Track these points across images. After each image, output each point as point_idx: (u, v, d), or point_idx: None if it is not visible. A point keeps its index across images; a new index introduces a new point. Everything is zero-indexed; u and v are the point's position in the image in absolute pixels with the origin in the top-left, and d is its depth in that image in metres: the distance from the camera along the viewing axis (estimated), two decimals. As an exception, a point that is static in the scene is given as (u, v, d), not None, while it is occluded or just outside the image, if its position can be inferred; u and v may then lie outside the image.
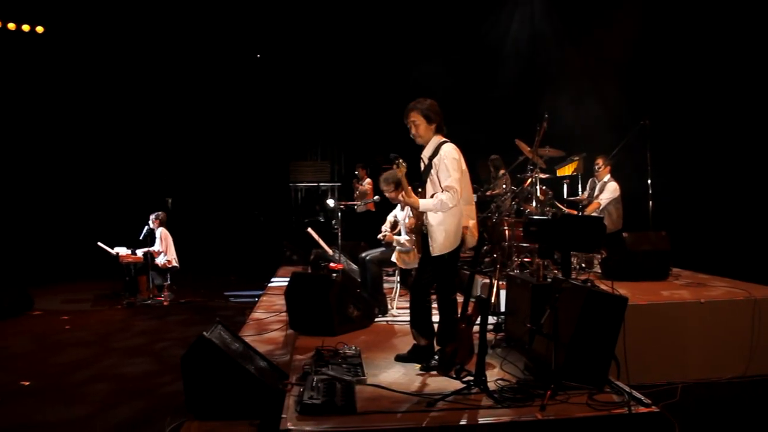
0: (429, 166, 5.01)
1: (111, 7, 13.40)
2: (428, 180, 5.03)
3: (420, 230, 5.16)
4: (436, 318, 5.23)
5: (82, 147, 14.92)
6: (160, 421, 4.94)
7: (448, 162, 4.86)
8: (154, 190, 14.87)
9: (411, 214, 6.50)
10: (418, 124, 5.03)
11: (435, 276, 5.12)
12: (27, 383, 6.17)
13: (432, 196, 4.93)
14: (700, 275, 7.45)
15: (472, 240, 5.05)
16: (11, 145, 14.03)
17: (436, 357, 4.95)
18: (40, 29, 13.43)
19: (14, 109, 13.97)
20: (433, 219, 4.96)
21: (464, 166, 5.03)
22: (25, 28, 13.27)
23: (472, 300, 4.54)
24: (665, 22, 9.28)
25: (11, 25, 13.09)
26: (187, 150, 15.83)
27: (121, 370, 6.65)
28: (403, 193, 5.00)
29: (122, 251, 10.44)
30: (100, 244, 10.44)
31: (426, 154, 5.09)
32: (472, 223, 5.05)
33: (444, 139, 5.04)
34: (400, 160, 4.87)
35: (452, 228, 4.91)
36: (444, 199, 4.79)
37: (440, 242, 4.93)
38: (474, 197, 5.65)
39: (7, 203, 13.85)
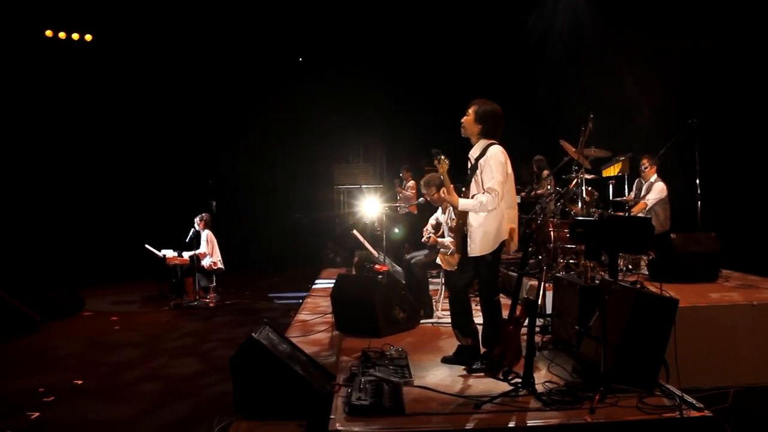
0: (475, 167, 4.98)
1: (158, 15, 13.65)
2: (473, 180, 5.01)
3: (461, 230, 5.13)
4: (478, 319, 5.21)
5: (131, 152, 15.21)
6: (208, 420, 5.03)
7: (493, 164, 4.83)
8: (200, 194, 15.10)
9: (453, 215, 6.49)
10: (468, 117, 5.02)
11: (474, 277, 5.09)
12: (80, 382, 6.32)
13: (473, 197, 4.92)
14: (752, 277, 7.29)
15: (513, 245, 5.01)
16: (63, 151, 14.37)
17: (484, 359, 4.93)
18: (88, 37, 13.75)
19: (64, 114, 14.31)
20: (473, 220, 4.94)
21: (510, 170, 4.97)
22: (75, 36, 13.60)
23: (520, 302, 4.51)
24: (714, 17, 9.10)
25: (62, 35, 13.44)
26: (232, 154, 16.05)
27: (169, 370, 6.78)
28: (444, 190, 4.99)
29: (169, 253, 10.62)
30: (147, 246, 10.63)
31: (473, 154, 5.07)
32: (512, 227, 5.00)
33: (492, 141, 5.01)
34: (442, 156, 4.86)
35: (492, 230, 4.87)
36: (484, 200, 4.76)
37: (479, 243, 4.91)
38: (518, 198, 5.62)
39: (60, 207, 14.18)
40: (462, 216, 5.10)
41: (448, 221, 7.14)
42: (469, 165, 5.10)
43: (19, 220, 13.33)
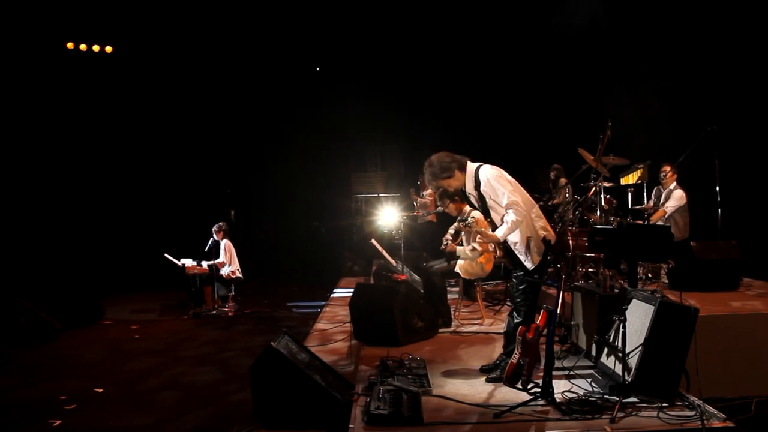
0: (482, 197, 4.98)
1: (178, 27, 13.79)
2: (489, 209, 5.00)
3: (506, 247, 5.09)
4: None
5: (150, 161, 15.32)
6: (227, 428, 5.05)
7: (493, 182, 4.83)
8: (219, 203, 15.19)
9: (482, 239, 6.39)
10: (449, 185, 5.08)
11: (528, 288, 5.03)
12: (100, 390, 6.37)
13: (503, 222, 4.87)
14: (774, 285, 7.22)
15: (551, 236, 4.96)
16: (85, 161, 14.52)
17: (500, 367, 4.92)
18: (109, 49, 13.92)
19: (85, 124, 14.47)
20: (512, 238, 4.94)
21: (510, 177, 4.97)
22: (96, 48, 13.77)
23: (543, 310, 4.50)
24: (734, 23, 9.05)
25: (83, 46, 13.61)
26: (250, 163, 16.13)
27: (189, 378, 6.81)
28: (479, 238, 5.00)
29: (188, 263, 10.68)
30: (167, 255, 10.70)
31: (469, 188, 5.06)
32: (542, 222, 5.00)
33: (476, 165, 5.00)
34: (469, 219, 4.93)
35: (533, 235, 4.89)
36: (513, 218, 4.75)
37: (533, 253, 4.91)
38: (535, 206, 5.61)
39: (80, 217, 14.32)
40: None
41: (449, 237, 7.17)
42: (473, 199, 5.12)
43: (41, 230, 13.48)
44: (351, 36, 14.40)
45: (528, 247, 4.89)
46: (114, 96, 14.71)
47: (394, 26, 13.88)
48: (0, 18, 12.30)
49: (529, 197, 5.10)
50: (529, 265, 4.94)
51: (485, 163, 5.04)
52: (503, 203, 4.80)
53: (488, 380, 4.93)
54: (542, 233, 4.90)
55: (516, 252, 4.99)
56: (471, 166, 5.01)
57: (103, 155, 14.82)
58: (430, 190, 12.64)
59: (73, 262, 13.18)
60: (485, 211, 5.07)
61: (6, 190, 12.91)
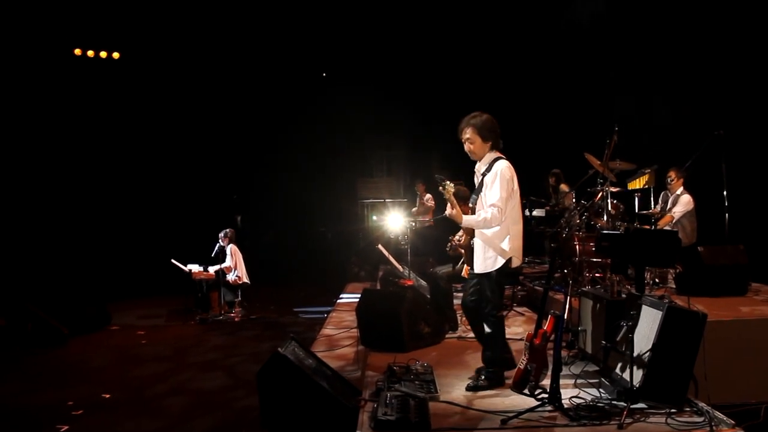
0: (482, 183, 4.97)
1: (185, 34, 13.86)
2: (479, 197, 5.00)
3: (469, 246, 5.13)
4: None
5: (157, 167, 15.38)
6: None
7: (499, 180, 4.78)
8: (225, 208, 15.22)
9: (463, 232, 6.46)
10: (473, 141, 4.93)
11: (477, 292, 5.01)
12: (108, 395, 6.39)
13: (477, 214, 4.89)
14: (782, 290, 7.18)
15: (517, 261, 4.98)
16: (92, 167, 14.58)
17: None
18: (116, 55, 14.00)
19: (93, 130, 14.54)
20: (479, 236, 4.94)
21: (516, 186, 4.90)
22: (103, 54, 13.85)
23: (551, 315, 4.50)
24: (741, 27, 9.04)
25: (90, 53, 13.69)
26: (257, 168, 16.17)
27: (195, 384, 6.84)
28: (448, 205, 4.97)
29: (195, 268, 10.70)
30: (173, 261, 10.72)
31: (480, 169, 5.03)
32: (517, 243, 4.95)
33: (498, 156, 4.95)
34: (447, 182, 4.85)
35: (497, 246, 4.84)
36: (488, 217, 4.72)
37: (483, 260, 4.90)
38: (542, 212, 5.59)
39: (88, 223, 14.38)
40: (470, 232, 5.09)
41: (458, 238, 7.12)
42: (476, 180, 5.09)
43: (49, 236, 13.54)
44: (356, 41, 14.44)
45: (487, 252, 4.88)
46: (121, 102, 14.80)
47: (399, 32, 13.91)
48: (8, 24, 12.38)
49: (520, 215, 5.04)
50: (477, 267, 4.95)
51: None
52: (489, 202, 4.79)
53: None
54: (509, 253, 4.83)
55: (474, 251, 5.00)
56: (495, 153, 4.96)
57: (110, 161, 14.89)
58: (429, 195, 12.69)
59: (80, 268, 13.22)
60: (476, 197, 5.04)
61: (13, 196, 12.97)
